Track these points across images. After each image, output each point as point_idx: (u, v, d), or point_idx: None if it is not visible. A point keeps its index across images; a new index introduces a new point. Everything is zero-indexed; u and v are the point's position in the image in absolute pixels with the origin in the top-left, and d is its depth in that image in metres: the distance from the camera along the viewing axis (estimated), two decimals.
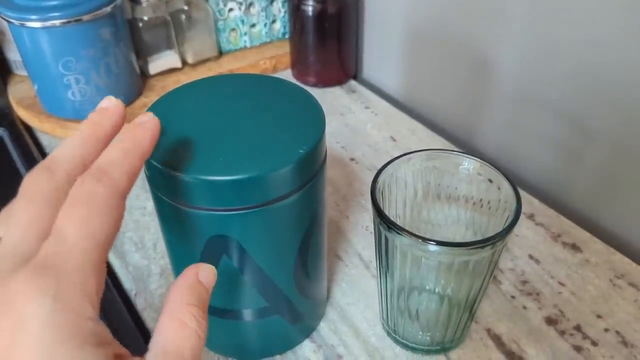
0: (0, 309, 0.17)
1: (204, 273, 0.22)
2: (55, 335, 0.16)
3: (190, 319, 0.20)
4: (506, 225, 0.29)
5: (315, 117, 0.29)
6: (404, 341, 0.36)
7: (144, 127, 0.22)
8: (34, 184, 0.20)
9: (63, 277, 0.17)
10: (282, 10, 0.70)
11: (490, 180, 0.32)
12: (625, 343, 0.36)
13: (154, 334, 0.20)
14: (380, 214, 0.30)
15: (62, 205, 0.19)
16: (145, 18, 0.60)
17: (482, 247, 0.28)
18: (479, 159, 0.33)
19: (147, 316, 0.39)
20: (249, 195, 0.26)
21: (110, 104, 0.23)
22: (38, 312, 0.16)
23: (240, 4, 0.66)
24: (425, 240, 0.28)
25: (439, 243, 0.28)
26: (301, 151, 0.27)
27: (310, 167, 0.28)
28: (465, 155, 0.33)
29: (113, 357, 0.18)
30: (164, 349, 0.19)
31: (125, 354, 0.19)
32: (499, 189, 0.32)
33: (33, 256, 0.18)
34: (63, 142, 0.21)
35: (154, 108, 0.30)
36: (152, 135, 0.22)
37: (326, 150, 0.30)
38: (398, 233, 0.29)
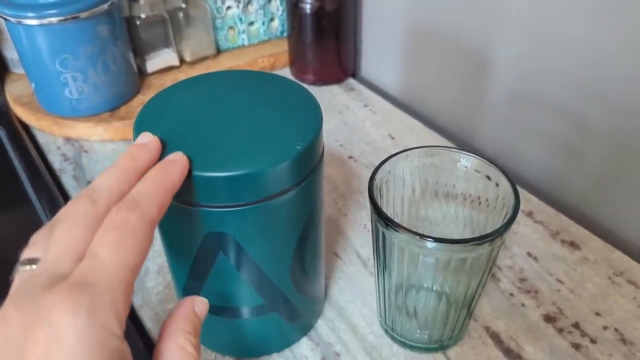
0: (36, 320, 0.18)
1: (199, 306, 0.24)
2: (86, 348, 0.17)
3: (187, 344, 0.22)
4: (504, 222, 0.29)
5: (313, 114, 0.29)
6: (402, 339, 0.36)
7: (175, 165, 0.25)
8: (77, 209, 0.22)
9: (96, 295, 0.18)
10: (280, 8, 0.70)
11: (489, 177, 0.32)
12: (624, 340, 0.36)
13: (154, 356, 0.22)
14: (377, 211, 0.30)
15: (98, 230, 0.21)
16: (143, 16, 0.59)
17: (480, 244, 0.28)
18: (477, 156, 0.33)
19: (144, 314, 0.39)
20: (245, 192, 0.26)
21: (148, 139, 0.26)
22: (72, 325, 0.17)
23: (239, 2, 0.66)
24: (422, 237, 0.28)
25: (437, 240, 0.28)
26: (298, 147, 0.27)
27: (308, 164, 0.28)
28: (463, 152, 0.33)
29: None
30: None
31: None
32: (497, 186, 0.32)
33: (69, 275, 0.19)
34: (104, 172, 0.24)
35: (151, 104, 0.30)
36: (181, 172, 0.25)
37: (323, 147, 0.30)
38: (395, 230, 0.29)
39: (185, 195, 0.26)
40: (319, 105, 0.30)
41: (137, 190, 0.23)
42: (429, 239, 0.28)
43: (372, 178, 0.32)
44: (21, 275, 0.21)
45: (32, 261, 0.22)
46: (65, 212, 0.22)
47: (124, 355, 0.19)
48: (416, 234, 0.28)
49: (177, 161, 0.25)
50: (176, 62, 0.65)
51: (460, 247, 0.28)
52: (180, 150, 0.26)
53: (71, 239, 0.21)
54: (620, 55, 0.40)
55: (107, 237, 0.20)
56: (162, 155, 0.26)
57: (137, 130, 0.28)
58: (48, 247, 0.21)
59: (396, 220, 0.29)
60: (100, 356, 0.18)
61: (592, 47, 0.42)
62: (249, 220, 0.27)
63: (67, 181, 0.52)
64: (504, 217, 0.30)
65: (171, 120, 0.28)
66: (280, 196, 0.27)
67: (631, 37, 0.39)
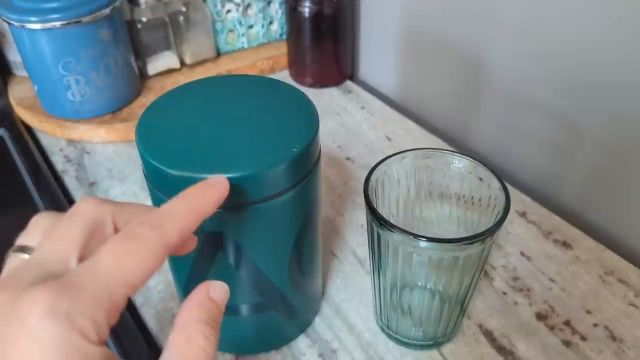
0: (12, 319, 0.18)
1: (216, 290, 0.22)
2: (59, 353, 0.17)
3: (198, 336, 0.20)
4: (495, 222, 0.30)
5: (309, 117, 0.30)
6: (397, 336, 0.37)
7: (215, 189, 0.23)
8: (89, 209, 0.21)
9: (80, 300, 0.18)
10: (280, 12, 0.71)
11: (481, 179, 0.33)
12: (613, 337, 0.37)
13: (163, 351, 0.21)
14: (372, 211, 0.30)
15: (111, 237, 0.20)
16: (144, 19, 0.60)
17: (472, 243, 0.29)
18: (469, 158, 0.34)
19: (145, 312, 0.40)
20: (243, 193, 0.27)
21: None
22: (48, 327, 0.17)
23: (238, 5, 0.67)
24: (416, 236, 0.29)
25: (429, 239, 0.29)
26: (295, 150, 0.28)
27: (305, 165, 0.29)
28: (457, 154, 0.34)
29: None
30: None
31: None
32: (489, 186, 0.33)
33: (59, 274, 0.19)
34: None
35: (152, 107, 0.31)
36: (218, 197, 0.23)
37: (320, 149, 0.31)
38: (390, 230, 0.29)
39: None
40: (315, 109, 0.31)
41: (165, 208, 0.21)
42: (422, 239, 0.29)
43: (367, 179, 0.32)
44: (11, 263, 0.21)
45: (25, 249, 0.21)
46: (77, 208, 0.22)
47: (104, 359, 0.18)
48: (409, 233, 0.29)
49: (218, 185, 0.23)
50: (177, 65, 0.66)
51: (452, 247, 0.29)
52: (180, 152, 0.27)
53: (71, 237, 0.20)
54: (612, 59, 0.41)
55: (117, 245, 0.20)
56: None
57: (140, 133, 0.29)
58: (47, 238, 0.21)
59: (391, 220, 0.30)
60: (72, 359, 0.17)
61: (584, 51, 0.43)
62: (247, 221, 0.28)
63: (70, 182, 0.53)
64: (496, 217, 0.31)
65: (171, 123, 0.29)
66: (277, 197, 0.28)
67: (623, 41, 0.40)
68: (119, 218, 0.22)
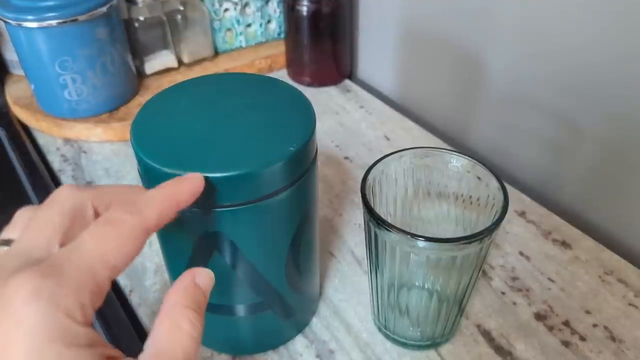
0: None
1: (201, 276, 0.23)
2: (46, 334, 0.17)
3: (184, 321, 0.21)
4: (493, 221, 0.29)
5: (306, 116, 0.30)
6: (394, 336, 0.36)
7: (189, 183, 0.24)
8: (67, 194, 0.22)
9: (63, 282, 0.18)
10: (278, 11, 0.70)
11: (479, 178, 0.33)
12: (613, 338, 0.37)
13: (149, 335, 0.21)
14: (369, 211, 0.30)
15: (92, 222, 0.21)
16: (141, 18, 0.60)
17: (470, 243, 0.29)
18: (468, 157, 0.34)
19: (142, 312, 0.39)
20: (239, 192, 0.27)
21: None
22: (33, 309, 0.17)
23: (236, 4, 0.67)
24: (413, 236, 0.28)
25: (427, 239, 0.28)
26: (291, 148, 0.27)
27: (301, 164, 0.29)
28: (455, 153, 0.34)
29: (104, 358, 0.19)
30: (156, 350, 0.20)
31: (118, 356, 0.20)
32: (487, 186, 0.32)
33: (42, 259, 0.19)
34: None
35: (147, 105, 0.31)
36: (192, 189, 0.24)
37: (317, 148, 0.31)
38: (387, 229, 0.29)
39: None
40: (312, 108, 0.30)
41: (144, 196, 0.23)
42: (419, 239, 0.29)
43: (364, 179, 0.32)
44: None
45: (6, 242, 0.22)
46: (55, 195, 0.22)
47: (92, 340, 0.19)
48: (407, 233, 0.29)
49: (193, 178, 0.25)
50: (174, 64, 0.65)
51: (450, 246, 0.29)
52: (175, 151, 0.26)
53: (51, 223, 0.21)
54: (611, 59, 0.41)
55: (97, 229, 0.20)
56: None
57: (135, 132, 0.28)
58: (27, 227, 0.21)
59: (389, 219, 0.30)
60: (62, 341, 0.18)
61: (583, 50, 0.42)
62: (243, 220, 0.28)
63: (67, 181, 0.52)
64: (494, 216, 0.31)
65: (168, 122, 0.29)
66: (273, 196, 0.28)
67: (622, 40, 0.40)
68: (98, 203, 0.23)
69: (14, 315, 0.17)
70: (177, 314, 0.21)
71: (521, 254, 0.43)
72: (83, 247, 0.20)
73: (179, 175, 0.26)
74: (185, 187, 0.24)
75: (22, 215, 0.23)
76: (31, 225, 0.21)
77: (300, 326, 0.38)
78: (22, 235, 0.21)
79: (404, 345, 0.36)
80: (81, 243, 0.20)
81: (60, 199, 0.22)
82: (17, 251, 0.20)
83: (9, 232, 0.23)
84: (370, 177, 0.33)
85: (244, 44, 0.71)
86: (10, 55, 0.64)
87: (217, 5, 0.66)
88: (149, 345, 0.21)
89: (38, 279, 0.18)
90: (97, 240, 0.20)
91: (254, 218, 0.28)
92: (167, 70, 0.65)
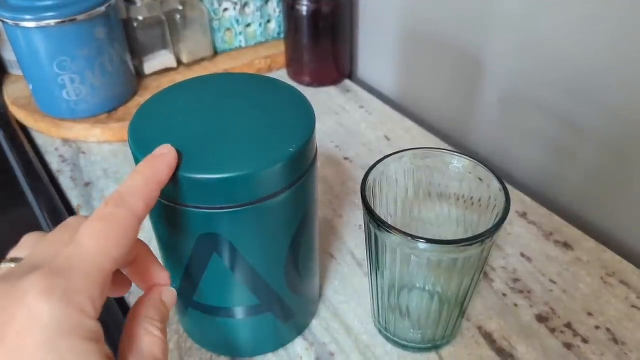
0: (12, 302, 0.19)
1: (166, 294, 0.26)
2: (60, 328, 0.18)
3: (156, 330, 0.23)
4: (495, 223, 0.29)
5: (306, 116, 0.30)
6: (395, 339, 0.36)
7: (163, 159, 0.25)
8: (76, 220, 0.24)
9: (73, 279, 0.19)
10: (277, 10, 0.70)
11: (480, 179, 0.33)
12: (615, 340, 0.36)
13: (121, 342, 0.23)
14: (370, 212, 0.30)
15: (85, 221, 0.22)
16: (140, 18, 0.60)
17: (471, 245, 0.28)
18: (469, 158, 0.33)
19: None
20: (239, 193, 0.26)
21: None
22: (47, 306, 0.18)
23: (235, 3, 0.66)
24: (414, 238, 0.28)
25: (428, 241, 0.28)
26: (291, 150, 0.27)
27: (301, 166, 0.28)
28: (456, 153, 0.34)
29: (106, 356, 0.20)
30: (139, 353, 0.22)
31: (112, 356, 0.20)
32: (489, 187, 0.32)
33: (49, 263, 0.20)
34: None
35: (146, 106, 0.30)
36: (169, 166, 0.25)
37: (317, 149, 0.31)
38: (387, 231, 0.29)
39: (180, 197, 0.27)
40: (312, 109, 0.30)
41: (126, 186, 0.23)
42: (420, 240, 0.28)
43: (364, 180, 0.32)
44: (2, 271, 0.22)
45: (14, 260, 0.23)
46: (64, 222, 0.24)
47: (99, 337, 0.20)
48: (408, 235, 0.28)
49: (166, 155, 0.25)
50: (173, 64, 0.65)
51: (451, 248, 0.29)
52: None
53: (58, 242, 0.22)
54: (612, 60, 0.41)
55: (92, 227, 0.21)
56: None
57: (133, 132, 0.28)
58: (35, 248, 0.22)
59: (390, 220, 0.30)
60: (76, 336, 0.19)
61: (583, 51, 0.42)
62: (242, 221, 0.28)
63: (65, 182, 0.52)
64: (496, 218, 0.30)
65: (166, 122, 0.29)
66: (273, 198, 0.27)
67: (623, 41, 0.39)
68: None
69: (29, 310, 0.18)
70: (148, 324, 0.23)
71: (522, 255, 0.43)
72: (85, 246, 0.21)
73: (178, 175, 0.26)
74: (162, 165, 0.25)
75: (29, 239, 0.24)
76: (46, 241, 0.22)
77: (300, 328, 0.37)
78: (34, 250, 0.22)
79: (404, 347, 0.36)
80: (82, 243, 0.21)
81: (72, 225, 0.23)
82: (29, 262, 0.21)
83: (16, 252, 0.24)
84: (370, 178, 0.32)
85: (243, 44, 0.70)
86: (9, 55, 0.64)
87: (216, 5, 0.65)
88: (123, 352, 0.22)
89: (50, 277, 0.19)
90: (95, 239, 0.21)
91: (254, 219, 0.28)
92: (166, 70, 0.65)
